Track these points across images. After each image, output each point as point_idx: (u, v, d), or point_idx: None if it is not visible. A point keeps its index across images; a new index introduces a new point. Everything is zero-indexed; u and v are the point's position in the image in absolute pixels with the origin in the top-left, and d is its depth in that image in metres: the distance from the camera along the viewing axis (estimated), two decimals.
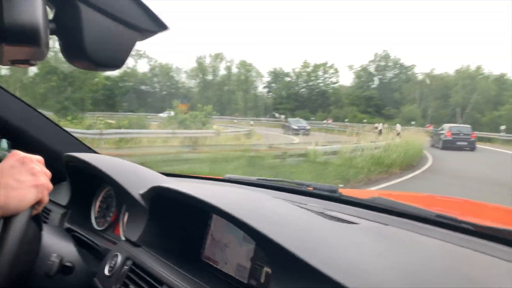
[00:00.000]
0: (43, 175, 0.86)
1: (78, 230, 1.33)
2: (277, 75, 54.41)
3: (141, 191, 1.16)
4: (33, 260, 1.03)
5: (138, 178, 1.25)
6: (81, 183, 1.47)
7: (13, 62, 0.74)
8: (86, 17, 0.69)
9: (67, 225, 1.40)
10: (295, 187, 1.26)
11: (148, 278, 0.96)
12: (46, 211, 1.49)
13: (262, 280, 0.90)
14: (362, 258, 0.67)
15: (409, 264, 0.66)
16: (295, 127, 24.94)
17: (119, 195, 1.34)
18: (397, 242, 0.79)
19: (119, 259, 1.06)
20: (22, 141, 1.54)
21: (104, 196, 1.45)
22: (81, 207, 1.47)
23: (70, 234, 1.23)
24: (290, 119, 27.68)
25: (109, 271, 1.05)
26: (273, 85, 53.50)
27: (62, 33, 0.71)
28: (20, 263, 0.89)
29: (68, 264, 1.07)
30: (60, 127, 1.63)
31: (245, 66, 52.48)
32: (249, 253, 0.94)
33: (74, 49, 0.69)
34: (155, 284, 0.93)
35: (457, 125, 22.20)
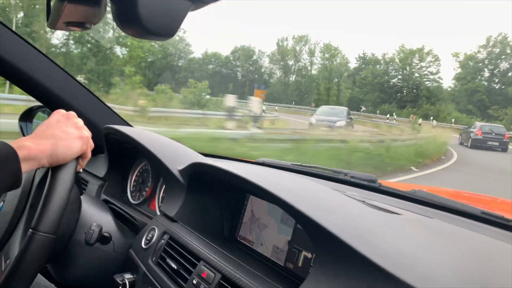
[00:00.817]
0: (86, 131, 0.93)
1: (115, 202, 1.36)
2: (365, 62, 47.10)
3: (180, 167, 1.17)
4: (74, 223, 1.06)
5: (176, 154, 1.25)
6: (118, 156, 1.50)
7: (68, 25, 0.75)
8: None
9: (104, 196, 1.43)
10: (332, 175, 1.24)
11: (185, 253, 0.97)
12: (84, 181, 1.52)
13: (300, 264, 0.89)
14: (412, 250, 0.65)
15: (463, 259, 0.64)
16: (320, 119, 18.34)
17: (156, 170, 1.35)
18: (446, 235, 0.76)
19: (156, 233, 1.07)
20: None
21: (140, 170, 1.47)
22: (117, 180, 1.49)
23: (107, 205, 1.26)
24: (319, 109, 20.91)
25: (146, 244, 1.07)
26: (360, 73, 46.21)
27: None
28: (67, 217, 0.91)
29: (106, 234, 1.09)
30: (99, 99, 1.65)
31: (330, 50, 46.82)
32: (287, 236, 0.94)
33: (127, 15, 0.69)
34: (192, 259, 0.94)
35: (490, 124, 21.47)
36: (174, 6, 0.70)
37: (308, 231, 0.74)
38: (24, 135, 1.69)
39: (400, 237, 0.70)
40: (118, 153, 1.49)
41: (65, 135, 0.87)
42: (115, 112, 1.68)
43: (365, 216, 0.77)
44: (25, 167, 0.79)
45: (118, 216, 1.24)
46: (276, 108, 29.24)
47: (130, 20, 0.68)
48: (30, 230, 0.84)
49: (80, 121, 0.94)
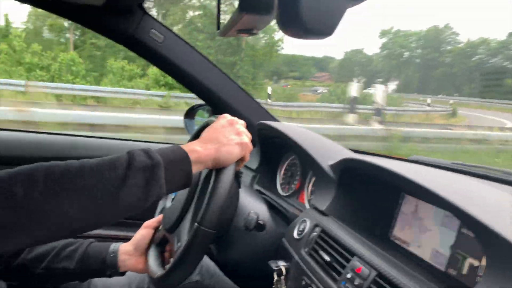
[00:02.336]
0: (246, 136, 1.00)
1: (266, 193, 1.45)
2: None
3: (330, 162, 1.18)
4: (233, 213, 1.16)
5: (327, 150, 1.27)
6: (269, 150, 1.59)
7: (239, 32, 0.82)
8: None
9: (256, 187, 1.53)
10: (502, 176, 1.11)
11: (337, 247, 0.98)
12: (239, 173, 1.65)
13: (465, 271, 0.82)
14: None
15: None
16: None
17: (305, 164, 1.40)
18: None
19: (308, 225, 1.11)
20: (220, 108, 1.73)
21: (288, 164, 1.53)
22: (268, 172, 1.58)
23: (261, 196, 1.35)
24: None
25: (298, 234, 1.12)
26: None
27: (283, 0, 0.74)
28: (226, 211, 1.01)
29: (261, 222, 1.17)
30: (252, 97, 1.77)
31: None
32: (449, 240, 0.87)
33: (290, 16, 0.72)
34: (345, 254, 0.94)
35: None
36: (334, 4, 0.71)
37: (481, 238, 0.68)
38: (188, 131, 1.91)
39: None
40: (269, 147, 1.58)
41: (227, 141, 0.95)
42: (265, 109, 1.79)
43: None
44: (195, 169, 0.91)
45: (270, 206, 1.31)
46: (429, 100, 25.50)
47: (292, 21, 0.72)
48: (196, 224, 0.96)
49: (241, 127, 1.01)
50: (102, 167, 0.80)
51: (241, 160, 1.01)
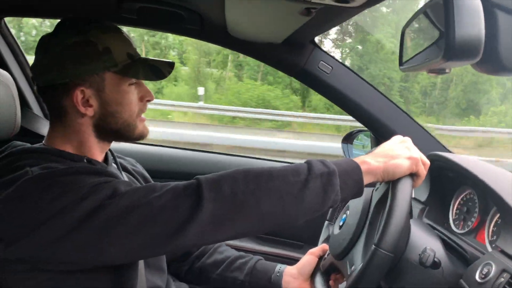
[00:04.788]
0: (418, 151, 1.05)
1: (438, 228, 1.37)
2: None
3: None
4: (406, 242, 1.14)
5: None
6: (440, 182, 1.51)
7: (431, 71, 0.83)
8: (502, 23, 0.69)
9: (426, 220, 1.47)
10: None
11: None
12: None
13: None
14: None
15: None
16: None
17: (486, 200, 1.29)
18: None
19: (494, 269, 1.02)
20: (383, 133, 1.72)
21: (463, 198, 1.43)
22: (438, 206, 1.50)
23: (434, 231, 1.29)
24: None
25: (481, 277, 1.03)
26: None
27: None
28: (403, 235, 1.01)
29: (437, 259, 1.12)
30: (420, 125, 1.71)
31: None
32: None
33: (485, 52, 0.70)
34: None
35: None
36: None
37: None
38: (345, 156, 1.94)
39: None
40: (440, 179, 1.50)
41: (396, 155, 1.01)
42: (435, 138, 1.71)
43: None
44: (365, 180, 0.98)
45: (444, 243, 1.25)
46: None
47: (487, 58, 0.70)
48: (374, 246, 0.97)
49: (412, 145, 1.07)
50: (288, 172, 0.93)
51: (416, 176, 1.04)
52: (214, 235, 0.91)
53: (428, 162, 1.06)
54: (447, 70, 0.76)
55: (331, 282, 1.33)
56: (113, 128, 1.10)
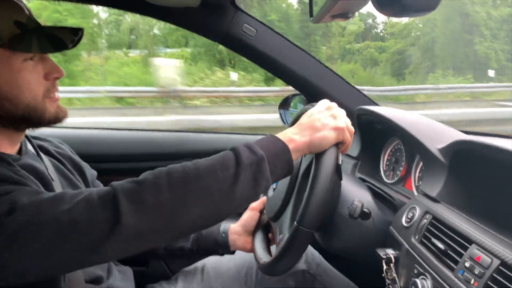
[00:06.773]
0: (344, 120, 0.99)
1: (370, 181, 1.40)
2: None
3: (439, 146, 1.10)
4: (335, 204, 1.16)
5: (434, 132, 1.19)
6: (370, 136, 1.53)
7: (334, 17, 0.81)
8: None
9: (358, 175, 1.49)
10: None
11: (452, 234, 0.91)
12: (338, 165, 1.63)
13: None
14: None
15: None
16: None
17: (411, 148, 1.32)
18: None
19: (417, 212, 1.05)
20: (315, 96, 1.72)
21: (392, 149, 1.47)
22: (370, 159, 1.53)
23: (364, 183, 1.31)
24: None
25: (407, 222, 1.06)
26: None
27: None
28: (327, 206, 1.01)
29: (366, 210, 1.14)
30: (348, 83, 1.72)
31: None
32: None
33: None
34: (462, 241, 0.88)
35: None
36: None
37: None
38: (283, 121, 1.93)
39: None
40: (370, 133, 1.53)
41: (322, 126, 0.96)
42: (363, 94, 1.73)
43: None
44: (294, 157, 0.94)
45: (374, 194, 1.27)
46: None
47: (390, 1, 0.68)
48: (295, 223, 0.98)
49: (339, 112, 1.00)
50: (215, 167, 0.85)
51: (342, 144, 1.01)
52: (142, 247, 0.82)
53: (353, 130, 1.01)
54: (349, 15, 0.74)
55: (270, 237, 1.34)
56: (14, 114, 0.93)
